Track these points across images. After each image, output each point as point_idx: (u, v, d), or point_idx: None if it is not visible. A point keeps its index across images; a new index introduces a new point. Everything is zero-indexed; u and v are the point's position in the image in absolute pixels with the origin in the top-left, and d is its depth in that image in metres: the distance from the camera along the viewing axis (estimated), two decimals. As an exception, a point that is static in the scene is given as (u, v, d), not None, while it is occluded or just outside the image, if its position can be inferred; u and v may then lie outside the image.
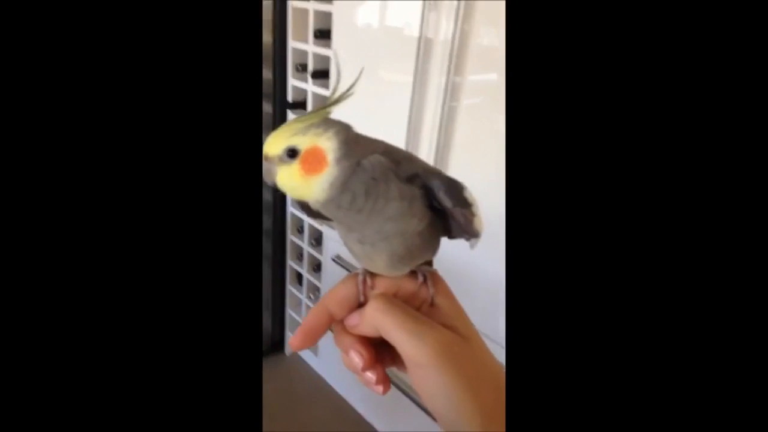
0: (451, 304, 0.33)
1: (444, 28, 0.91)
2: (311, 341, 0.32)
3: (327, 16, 1.18)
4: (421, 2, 0.91)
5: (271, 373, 1.70)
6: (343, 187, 0.28)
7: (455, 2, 0.86)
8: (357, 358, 0.31)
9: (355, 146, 0.29)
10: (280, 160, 0.28)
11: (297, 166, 0.28)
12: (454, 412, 0.27)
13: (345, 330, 0.32)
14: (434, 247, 0.33)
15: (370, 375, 0.31)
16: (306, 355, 1.74)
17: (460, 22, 0.86)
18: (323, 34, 1.20)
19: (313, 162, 0.28)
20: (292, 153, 0.28)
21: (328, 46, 1.19)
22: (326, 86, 1.23)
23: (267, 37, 1.31)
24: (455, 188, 0.30)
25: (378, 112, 1.04)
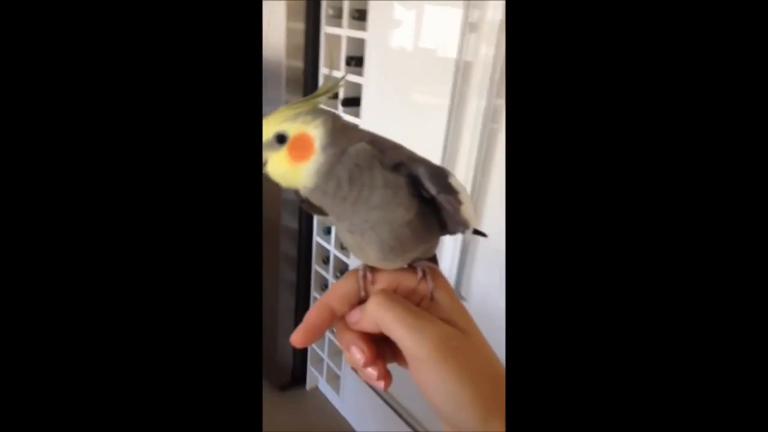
0: (450, 299, 0.33)
1: (484, 50, 0.87)
2: (313, 338, 0.32)
3: (360, 43, 1.17)
4: (459, 24, 0.88)
5: (291, 407, 1.65)
6: (328, 174, 0.29)
7: (496, 23, 0.83)
8: (358, 354, 0.31)
9: (342, 135, 0.29)
10: (270, 146, 0.29)
11: (285, 153, 0.29)
12: (454, 405, 0.27)
13: (346, 326, 0.32)
14: (429, 239, 0.33)
15: (372, 371, 0.31)
16: (328, 392, 1.67)
17: (502, 43, 0.82)
18: (355, 62, 1.19)
19: (301, 149, 0.29)
20: (281, 138, 0.29)
21: (360, 73, 1.17)
22: (357, 114, 1.20)
23: (298, 63, 1.30)
24: (440, 175, 0.30)
25: (412, 134, 1.00)
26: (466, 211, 0.31)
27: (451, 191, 0.30)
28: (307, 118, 0.29)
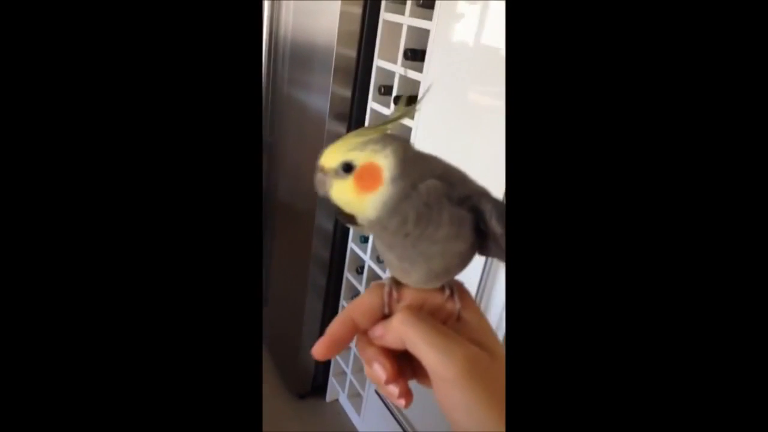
0: (478, 319, 0.32)
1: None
2: (335, 351, 0.31)
3: (421, 35, 1.01)
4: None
5: (308, 417, 1.57)
6: (394, 209, 0.27)
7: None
8: (380, 370, 0.30)
9: (413, 166, 0.28)
10: (336, 173, 0.28)
11: (351, 182, 0.28)
12: (478, 428, 0.27)
13: (369, 341, 0.31)
14: (469, 262, 0.32)
15: (393, 388, 0.30)
16: (348, 408, 1.56)
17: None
18: (414, 55, 1.03)
19: (368, 179, 0.28)
20: (347, 168, 0.28)
21: (419, 69, 1.01)
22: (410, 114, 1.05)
23: (350, 52, 1.15)
24: (504, 213, 0.28)
25: (471, 138, 0.89)
26: None
27: None
28: (376, 147, 0.28)
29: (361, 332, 0.32)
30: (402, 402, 0.30)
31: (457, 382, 0.27)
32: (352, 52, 1.16)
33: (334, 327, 0.31)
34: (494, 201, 0.29)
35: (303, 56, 1.31)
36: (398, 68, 1.06)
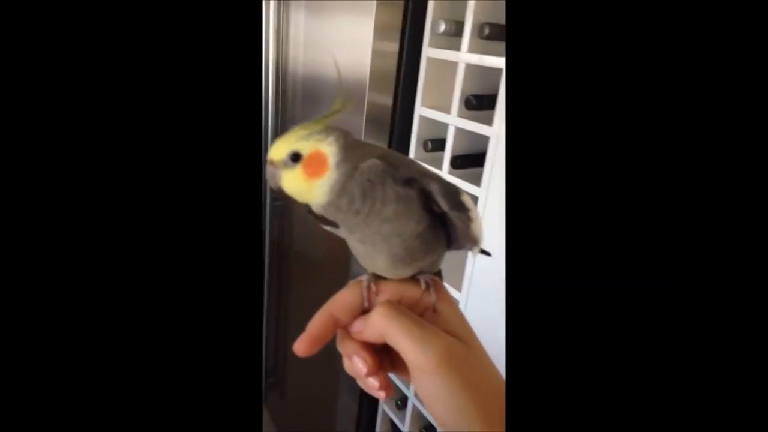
0: (453, 311, 0.32)
1: None
2: (317, 347, 0.31)
3: (487, 75, 0.76)
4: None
5: None
6: (342, 190, 0.29)
7: None
8: (361, 364, 0.31)
9: (353, 151, 0.30)
10: (284, 164, 0.30)
11: (300, 170, 0.30)
12: (457, 417, 0.27)
13: (348, 336, 0.32)
14: (437, 252, 0.33)
15: (374, 381, 0.31)
16: None
17: None
18: (480, 103, 0.78)
19: (315, 166, 0.29)
20: (295, 157, 0.30)
21: (485, 121, 0.76)
22: (476, 180, 0.79)
23: (384, 99, 0.90)
24: (452, 192, 0.30)
25: None
26: (476, 228, 0.31)
27: (462, 208, 0.30)
28: (320, 137, 0.30)
29: (342, 327, 0.32)
30: (382, 394, 0.31)
31: (436, 372, 0.28)
32: (387, 99, 0.91)
33: (315, 324, 0.31)
34: (439, 180, 0.30)
35: (318, 99, 1.06)
36: (452, 118, 0.81)
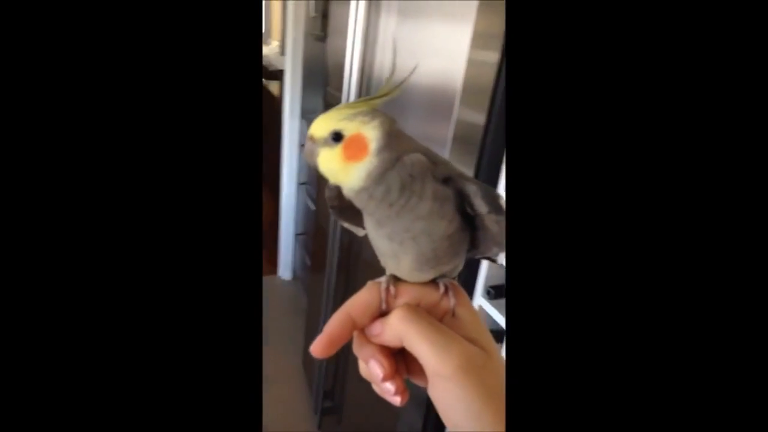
0: (473, 317, 0.32)
1: None
2: (334, 349, 0.30)
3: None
4: None
5: None
6: (379, 178, 0.28)
7: None
8: (377, 368, 0.30)
9: (397, 140, 0.29)
10: (325, 142, 0.29)
11: (339, 151, 0.29)
12: (474, 426, 0.27)
13: (365, 339, 0.31)
14: (460, 256, 0.33)
15: (390, 386, 0.30)
16: None
17: None
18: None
19: (355, 149, 0.28)
20: (336, 137, 0.29)
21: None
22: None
23: (477, 116, 0.79)
24: (491, 194, 0.29)
25: None
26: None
27: (500, 211, 0.29)
28: (365, 119, 0.29)
29: (358, 330, 0.31)
30: (397, 399, 0.30)
31: (454, 379, 0.27)
32: (480, 117, 0.80)
33: (332, 325, 0.30)
34: (477, 182, 0.30)
35: (404, 106, 0.97)
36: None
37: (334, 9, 1.22)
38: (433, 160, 0.29)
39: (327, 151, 0.29)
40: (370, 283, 0.32)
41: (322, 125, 0.29)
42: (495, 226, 0.30)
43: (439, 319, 0.31)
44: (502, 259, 0.32)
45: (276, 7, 4.20)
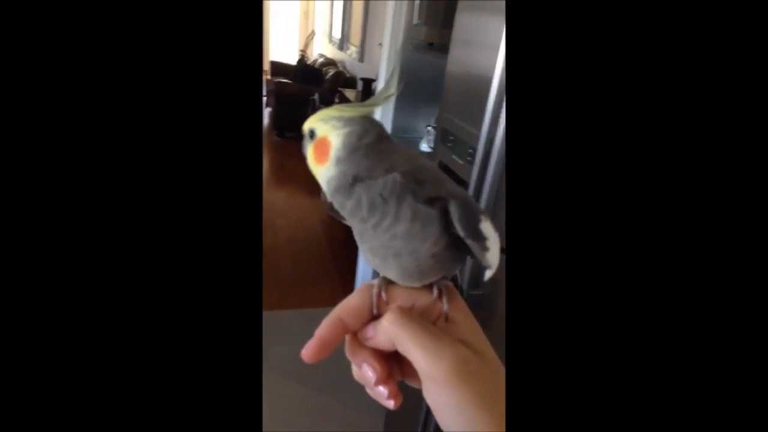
0: (467, 320, 0.31)
1: None
2: (325, 353, 0.30)
3: None
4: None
5: None
6: (345, 191, 0.28)
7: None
8: (370, 372, 0.30)
9: (368, 158, 0.28)
10: (307, 137, 0.30)
11: (311, 149, 0.29)
12: (469, 428, 0.27)
13: (358, 342, 0.31)
14: (451, 269, 0.32)
15: (383, 389, 0.30)
16: None
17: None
18: None
19: (321, 151, 0.29)
20: (311, 134, 0.29)
21: None
22: None
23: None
24: (471, 219, 0.28)
25: None
26: (491, 258, 0.30)
27: (478, 237, 0.28)
28: (338, 124, 0.28)
29: (351, 333, 0.31)
30: (391, 403, 0.30)
31: (447, 383, 0.27)
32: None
33: (323, 329, 0.30)
34: (463, 203, 0.28)
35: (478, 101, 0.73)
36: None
37: (464, 19, 1.00)
38: (419, 179, 0.28)
39: (309, 147, 0.30)
40: (362, 286, 0.32)
41: (309, 120, 0.30)
42: (475, 250, 0.29)
43: (432, 321, 0.30)
44: (488, 275, 0.31)
45: (357, 11, 4.06)
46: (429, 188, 0.28)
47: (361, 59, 4.03)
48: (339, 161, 0.27)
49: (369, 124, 0.28)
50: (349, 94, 3.42)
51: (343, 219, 0.31)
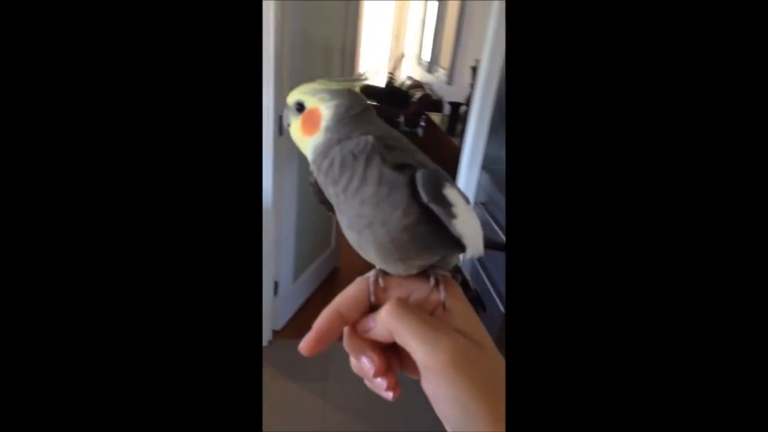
0: (465, 309, 0.31)
1: None
2: (323, 345, 0.30)
3: None
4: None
5: None
6: (323, 154, 0.29)
7: None
8: (368, 364, 0.30)
9: (352, 124, 0.29)
10: (292, 110, 0.31)
11: (299, 122, 0.31)
12: (466, 419, 0.27)
13: (356, 334, 0.31)
14: (434, 251, 0.31)
15: (381, 381, 0.30)
16: None
17: None
18: None
19: (311, 123, 0.30)
20: (299, 107, 0.31)
21: None
22: None
23: None
24: (435, 182, 0.28)
25: None
26: (462, 226, 0.29)
27: (443, 202, 0.28)
28: (326, 96, 0.30)
29: (349, 325, 0.31)
30: (390, 395, 0.30)
31: (445, 373, 0.27)
32: None
33: (321, 321, 0.30)
34: (429, 171, 0.28)
35: None
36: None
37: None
38: (391, 145, 0.29)
39: (294, 120, 0.31)
40: (359, 278, 0.32)
41: (293, 94, 0.31)
42: (442, 217, 0.29)
43: (430, 312, 0.30)
44: (469, 253, 0.30)
45: (449, 33, 3.93)
46: (398, 154, 0.29)
47: (449, 82, 3.88)
48: (328, 129, 0.30)
49: (354, 97, 0.30)
50: (435, 117, 3.27)
51: (325, 200, 0.32)
